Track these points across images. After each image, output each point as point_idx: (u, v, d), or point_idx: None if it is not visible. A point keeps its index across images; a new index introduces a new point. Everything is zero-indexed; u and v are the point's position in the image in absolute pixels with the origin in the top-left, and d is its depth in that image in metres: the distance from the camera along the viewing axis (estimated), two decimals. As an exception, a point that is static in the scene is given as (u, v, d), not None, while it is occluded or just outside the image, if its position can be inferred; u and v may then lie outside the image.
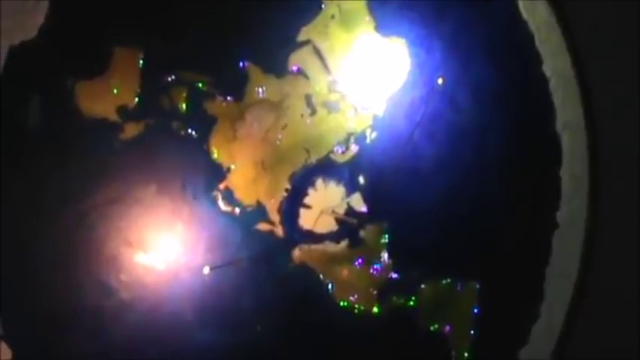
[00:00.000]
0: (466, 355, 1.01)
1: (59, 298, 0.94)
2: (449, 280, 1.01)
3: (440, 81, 0.97)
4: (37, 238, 0.93)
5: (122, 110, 0.95)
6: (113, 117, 0.95)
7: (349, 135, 0.99)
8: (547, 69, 1.00)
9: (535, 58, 1.00)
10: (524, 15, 0.99)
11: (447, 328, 1.01)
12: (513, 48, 1.00)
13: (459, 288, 1.01)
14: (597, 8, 1.02)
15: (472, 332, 1.01)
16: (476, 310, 1.01)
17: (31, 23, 0.92)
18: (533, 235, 1.01)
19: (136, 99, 0.95)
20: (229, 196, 0.97)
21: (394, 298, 1.00)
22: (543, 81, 1.00)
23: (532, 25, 0.99)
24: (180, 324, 0.96)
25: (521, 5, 0.99)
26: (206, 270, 0.95)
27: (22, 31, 0.92)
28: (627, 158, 1.02)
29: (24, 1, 0.91)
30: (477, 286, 1.01)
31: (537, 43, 1.00)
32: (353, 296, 1.00)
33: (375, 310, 1.00)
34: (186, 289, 0.96)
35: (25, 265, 0.93)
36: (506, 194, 1.01)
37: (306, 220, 0.99)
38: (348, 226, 0.98)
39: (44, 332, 0.94)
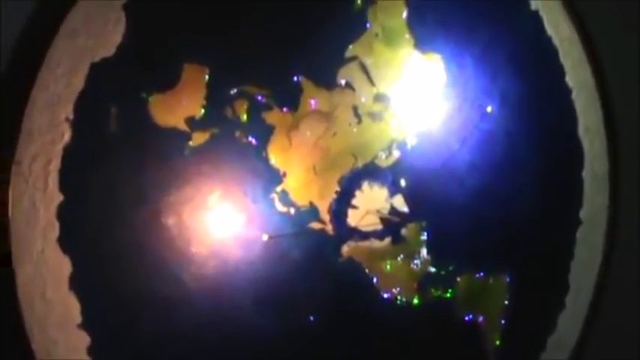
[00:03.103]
0: (497, 343, 1.32)
1: (134, 287, 1.15)
2: (482, 274, 1.31)
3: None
4: (115, 234, 1.15)
5: (190, 120, 1.18)
6: (182, 126, 1.17)
7: (392, 142, 1.22)
8: (570, 80, 1.25)
9: (559, 70, 1.27)
10: (549, 31, 1.25)
11: (481, 318, 1.30)
12: (539, 61, 1.26)
13: (491, 281, 1.32)
14: (615, 24, 1.36)
15: (503, 322, 1.33)
16: (506, 302, 1.34)
17: (110, 42, 1.19)
18: (559, 231, 1.26)
19: (202, 110, 1.19)
20: (285, 198, 1.21)
21: (432, 290, 1.29)
22: (567, 91, 1.27)
23: (556, 40, 1.25)
24: (241, 312, 1.17)
25: (545, 22, 1.25)
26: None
27: (103, 49, 1.20)
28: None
29: (105, 23, 1.22)
30: (507, 279, 1.33)
31: (561, 56, 1.29)
32: (395, 289, 1.31)
33: (416, 301, 1.26)
34: (246, 282, 1.19)
35: (104, 257, 1.15)
36: (534, 194, 1.25)
37: (354, 219, 1.26)
38: (391, 224, 1.32)
39: (119, 319, 1.16)
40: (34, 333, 1.15)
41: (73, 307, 1.16)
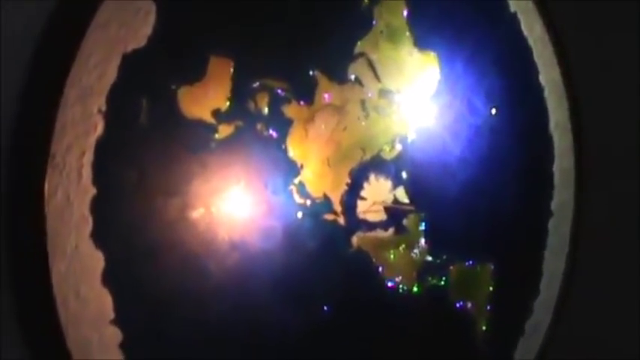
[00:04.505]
0: (484, 328, 1.45)
1: (164, 281, 1.19)
2: (470, 262, 1.43)
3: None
4: (145, 227, 1.18)
5: (216, 113, 1.24)
6: (209, 119, 1.22)
7: (395, 135, 1.33)
8: (542, 79, 1.43)
9: (534, 69, 1.43)
10: (525, 32, 1.40)
11: (470, 304, 1.43)
12: (518, 61, 1.38)
13: (478, 269, 1.43)
14: (581, 25, 1.52)
15: (488, 307, 1.48)
16: (491, 289, 1.49)
17: (141, 33, 1.18)
18: (535, 222, 1.43)
19: (228, 103, 1.25)
20: (302, 190, 1.29)
21: (429, 278, 1.41)
22: (540, 89, 1.45)
23: (530, 40, 1.40)
24: (263, 302, 1.26)
25: (522, 23, 1.41)
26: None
27: (134, 40, 1.21)
28: (608, 153, 1.50)
29: (135, 13, 1.29)
30: (492, 267, 1.51)
31: (535, 56, 1.45)
32: (398, 277, 1.42)
33: (415, 289, 1.38)
34: (266, 271, 1.25)
35: (134, 251, 1.18)
36: (514, 187, 1.40)
37: (362, 210, 1.38)
38: (395, 215, 1.47)
39: (150, 313, 1.20)
40: (69, 331, 1.16)
41: (106, 303, 1.19)
